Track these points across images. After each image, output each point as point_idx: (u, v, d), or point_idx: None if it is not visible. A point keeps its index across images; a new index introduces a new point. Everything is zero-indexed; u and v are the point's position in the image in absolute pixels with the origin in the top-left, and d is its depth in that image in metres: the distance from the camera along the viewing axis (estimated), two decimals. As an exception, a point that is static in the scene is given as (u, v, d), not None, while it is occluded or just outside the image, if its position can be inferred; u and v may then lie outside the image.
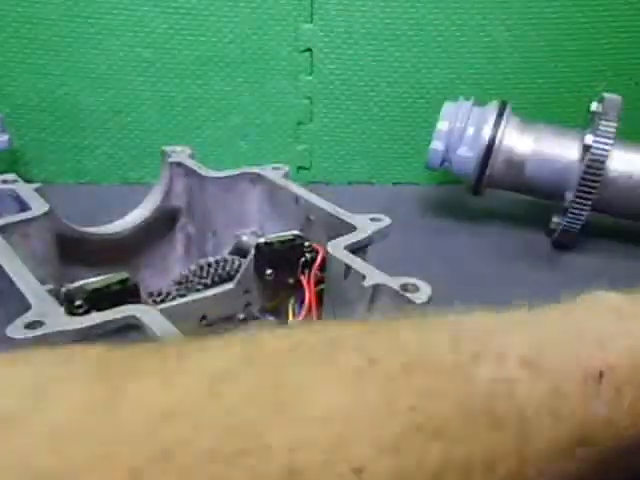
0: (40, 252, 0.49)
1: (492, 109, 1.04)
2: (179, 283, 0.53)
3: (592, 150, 0.95)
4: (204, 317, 0.50)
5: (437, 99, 1.22)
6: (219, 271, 0.53)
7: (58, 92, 1.20)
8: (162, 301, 0.50)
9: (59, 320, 0.35)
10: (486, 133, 1.02)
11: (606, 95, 1.00)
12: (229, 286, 0.50)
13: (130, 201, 0.63)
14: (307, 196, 0.53)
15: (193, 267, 0.53)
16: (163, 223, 0.63)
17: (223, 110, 1.24)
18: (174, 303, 0.49)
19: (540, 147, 1.02)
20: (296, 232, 0.51)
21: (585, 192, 0.96)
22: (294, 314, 0.50)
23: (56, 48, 1.16)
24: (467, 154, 1.04)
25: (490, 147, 1.02)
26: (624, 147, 1.00)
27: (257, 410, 0.22)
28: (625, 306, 0.32)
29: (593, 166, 0.95)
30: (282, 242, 0.49)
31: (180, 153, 0.62)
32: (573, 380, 0.26)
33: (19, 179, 0.54)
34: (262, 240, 0.49)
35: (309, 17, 1.17)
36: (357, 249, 0.46)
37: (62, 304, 0.38)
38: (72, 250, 0.56)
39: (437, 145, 1.06)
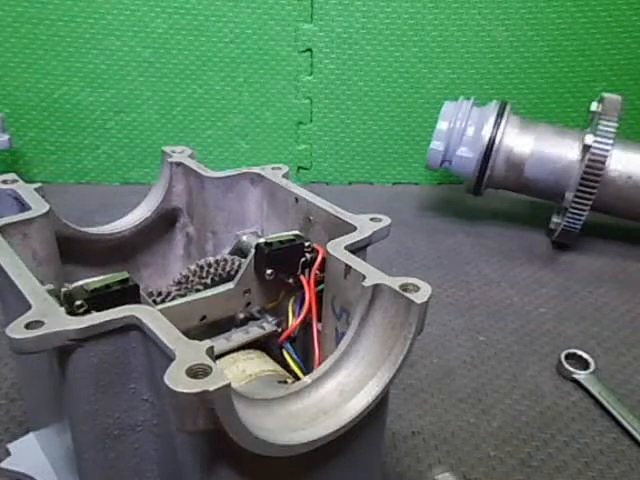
0: (40, 252, 0.49)
1: (492, 109, 1.04)
2: (179, 283, 0.53)
3: (592, 150, 0.95)
4: (204, 317, 0.50)
5: (437, 99, 1.22)
6: (219, 271, 0.53)
7: (58, 92, 1.20)
8: (162, 301, 0.50)
9: (59, 320, 0.35)
10: (486, 133, 1.03)
11: (606, 95, 1.00)
12: (229, 286, 0.50)
13: (130, 201, 0.63)
14: (307, 196, 0.53)
15: (193, 267, 0.53)
16: (163, 223, 0.63)
17: (223, 110, 1.24)
18: (174, 303, 0.49)
19: (540, 147, 1.02)
20: (296, 232, 0.51)
21: (585, 192, 0.96)
22: (294, 314, 0.50)
23: (56, 48, 1.17)
24: (467, 154, 1.04)
25: (490, 147, 1.02)
26: (624, 147, 1.00)
27: None
28: None
29: (593, 166, 0.95)
30: (282, 242, 0.49)
31: (180, 153, 0.62)
32: None
33: (19, 179, 0.54)
34: (262, 240, 0.49)
35: (309, 17, 1.17)
36: (357, 249, 0.46)
37: (62, 304, 0.38)
38: (72, 250, 0.56)
39: (437, 145, 1.06)
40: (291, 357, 0.50)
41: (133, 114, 1.22)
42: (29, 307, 0.37)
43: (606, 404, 0.70)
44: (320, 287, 0.49)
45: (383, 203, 1.22)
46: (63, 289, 0.39)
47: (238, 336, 0.51)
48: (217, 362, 0.33)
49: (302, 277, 0.49)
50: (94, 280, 0.40)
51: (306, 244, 0.49)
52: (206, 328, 0.51)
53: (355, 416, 0.38)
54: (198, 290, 0.52)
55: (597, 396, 0.71)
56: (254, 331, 0.52)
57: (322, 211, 0.51)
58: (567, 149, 1.00)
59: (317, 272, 0.48)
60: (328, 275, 0.46)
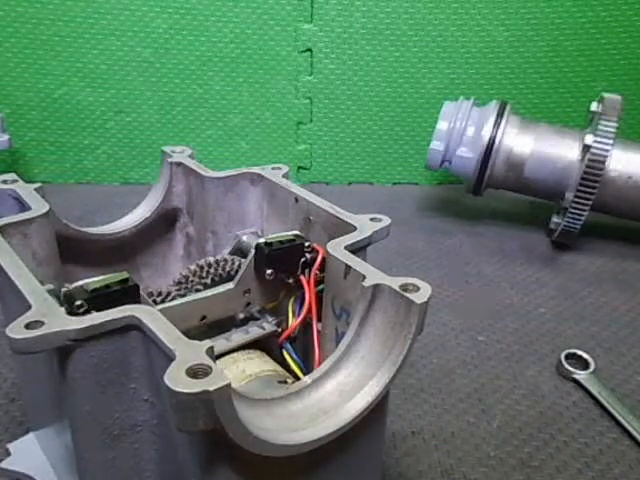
0: (40, 252, 0.49)
1: (492, 109, 1.04)
2: (179, 283, 0.53)
3: (592, 150, 0.95)
4: (204, 317, 0.50)
5: (437, 99, 1.22)
6: (219, 271, 0.53)
7: (58, 92, 1.20)
8: (162, 301, 0.50)
9: (59, 320, 0.35)
10: (486, 133, 1.03)
11: (606, 95, 1.00)
12: (229, 286, 0.51)
13: (130, 201, 0.63)
14: (307, 196, 0.53)
15: (193, 267, 0.53)
16: (163, 223, 0.63)
17: (223, 110, 1.24)
18: (174, 303, 0.49)
19: (540, 147, 1.02)
20: (296, 232, 0.51)
21: (585, 192, 0.96)
22: (294, 314, 0.50)
23: (56, 48, 1.17)
24: (467, 154, 1.04)
25: (490, 147, 1.02)
26: (624, 147, 1.00)
27: None
28: None
29: (593, 166, 0.95)
30: (282, 242, 0.49)
31: (180, 153, 0.62)
32: None
33: (19, 179, 0.54)
34: (262, 240, 0.49)
35: (309, 17, 1.17)
36: (357, 249, 0.46)
37: (62, 304, 0.38)
38: (72, 250, 0.56)
39: (437, 145, 1.06)
40: (291, 357, 0.50)
41: (133, 114, 1.22)
42: (29, 307, 0.37)
43: (606, 404, 0.70)
44: (320, 287, 0.49)
45: (383, 203, 1.22)
46: (63, 289, 0.39)
47: (238, 336, 0.52)
48: (217, 362, 0.33)
49: (302, 277, 0.49)
50: (94, 280, 0.40)
51: (306, 244, 0.49)
52: (206, 328, 0.51)
53: (355, 416, 0.38)
54: (198, 290, 0.52)
55: (597, 396, 0.71)
56: (254, 331, 0.52)
57: (322, 211, 0.51)
58: (567, 149, 1.00)
59: (317, 272, 0.48)
60: (328, 275, 0.46)
